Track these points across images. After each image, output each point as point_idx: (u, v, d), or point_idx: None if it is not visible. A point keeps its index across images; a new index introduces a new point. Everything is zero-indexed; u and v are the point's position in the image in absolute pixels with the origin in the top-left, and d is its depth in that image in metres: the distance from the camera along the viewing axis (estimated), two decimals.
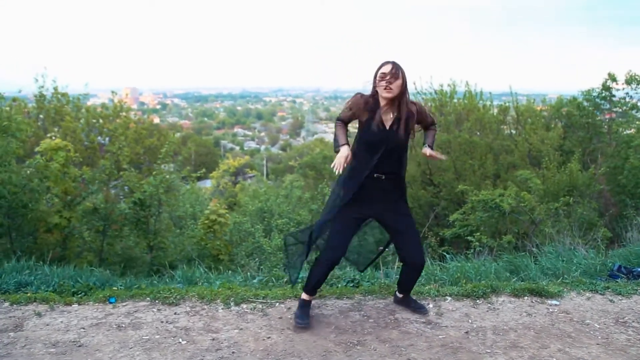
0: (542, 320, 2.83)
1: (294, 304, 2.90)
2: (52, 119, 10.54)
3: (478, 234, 6.49)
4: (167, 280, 3.85)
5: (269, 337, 2.48)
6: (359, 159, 2.54)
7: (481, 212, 6.82)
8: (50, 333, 2.47)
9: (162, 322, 2.62)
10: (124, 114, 12.54)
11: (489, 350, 2.43)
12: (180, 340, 2.43)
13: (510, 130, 12.89)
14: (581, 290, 3.38)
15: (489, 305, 3.02)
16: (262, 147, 60.64)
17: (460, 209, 7.92)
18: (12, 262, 3.94)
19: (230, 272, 4.21)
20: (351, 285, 3.53)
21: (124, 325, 2.57)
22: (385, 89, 2.46)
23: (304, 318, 2.63)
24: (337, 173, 2.44)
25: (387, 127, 2.52)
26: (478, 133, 11.33)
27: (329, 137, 48.59)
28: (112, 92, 12.39)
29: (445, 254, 4.96)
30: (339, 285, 3.47)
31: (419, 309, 2.85)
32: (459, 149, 10.50)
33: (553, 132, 10.56)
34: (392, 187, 2.59)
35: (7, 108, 10.66)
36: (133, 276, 4.96)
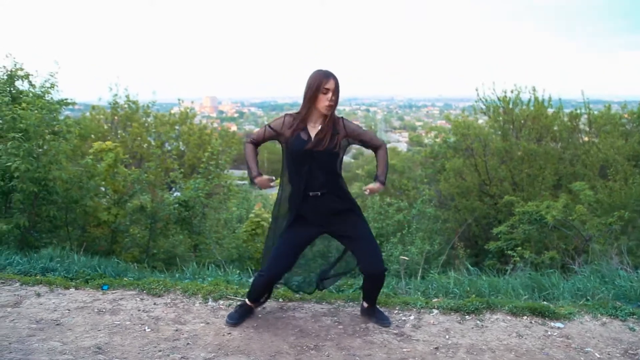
0: (531, 343, 2.60)
1: (271, 305, 2.91)
2: (124, 124, 11.45)
3: (519, 248, 6.09)
4: (177, 275, 4.03)
5: (229, 334, 2.52)
6: (291, 178, 2.52)
7: (526, 225, 6.39)
8: (39, 311, 2.70)
9: (139, 310, 2.77)
10: (190, 121, 13.29)
11: None
12: (146, 328, 2.55)
13: (583, 139, 11.95)
14: (599, 315, 3.04)
15: (478, 322, 2.83)
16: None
17: (509, 221, 7.47)
18: (48, 249, 4.35)
19: (239, 272, 4.30)
20: (351, 291, 3.46)
21: (104, 310, 2.74)
22: (328, 105, 2.41)
23: (235, 318, 2.64)
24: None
25: (313, 140, 2.45)
26: (541, 142, 10.61)
27: (402, 147, 47.85)
28: (179, 100, 13.19)
29: (469, 267, 4.71)
30: (351, 292, 3.39)
31: (381, 321, 2.73)
32: (516, 158, 9.90)
33: (629, 141, 9.62)
34: (333, 202, 2.51)
35: (87, 114, 11.79)
36: (161, 271, 5.25)
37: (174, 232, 7.23)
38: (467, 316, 2.89)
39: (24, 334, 2.43)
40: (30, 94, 6.77)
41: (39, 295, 2.93)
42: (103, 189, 6.40)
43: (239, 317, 2.67)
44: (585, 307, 3.18)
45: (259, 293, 2.68)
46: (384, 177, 2.57)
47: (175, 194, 8.26)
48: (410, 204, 10.89)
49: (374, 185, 2.60)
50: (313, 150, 2.43)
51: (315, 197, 2.48)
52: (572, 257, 6.05)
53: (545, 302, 3.23)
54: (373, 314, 2.78)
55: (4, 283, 3.12)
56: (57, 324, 2.55)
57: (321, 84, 2.40)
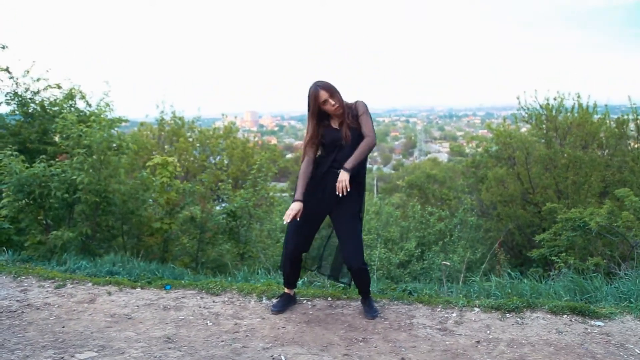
0: (570, 338, 2.68)
1: (321, 303, 3.12)
2: (170, 139, 12.04)
3: (564, 254, 6.04)
4: (230, 279, 4.30)
5: (284, 327, 2.74)
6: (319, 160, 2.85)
7: (570, 232, 6.32)
8: (112, 307, 3.01)
9: (200, 307, 3.03)
10: (233, 135, 13.81)
11: None
12: (208, 322, 2.80)
13: (631, 145, 11.61)
14: None
15: (518, 319, 2.93)
16: (374, 167, 61.16)
17: (552, 228, 7.38)
18: (110, 255, 4.73)
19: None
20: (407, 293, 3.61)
21: (169, 307, 3.02)
22: (334, 111, 2.74)
23: (278, 306, 2.98)
24: (285, 223, 2.68)
25: (336, 129, 2.80)
26: (586, 149, 10.39)
27: (442, 157, 47.35)
28: (223, 114, 13.74)
29: (509, 272, 4.75)
30: (396, 292, 3.55)
31: (366, 312, 2.92)
32: (561, 165, 9.74)
33: None
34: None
35: (136, 130, 12.47)
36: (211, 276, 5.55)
37: (222, 241, 7.57)
38: (507, 314, 3.00)
39: (102, 326, 2.73)
40: (88, 112, 7.35)
41: (109, 293, 3.25)
42: (152, 200, 6.80)
43: (282, 305, 2.98)
44: (627, 309, 3.21)
45: (290, 276, 2.99)
46: (350, 165, 2.70)
47: (223, 205, 8.64)
48: (452, 214, 10.89)
49: (342, 174, 2.71)
50: (339, 141, 2.78)
51: (336, 173, 2.74)
52: (618, 264, 5.94)
53: (585, 303, 3.27)
54: (364, 304, 2.99)
55: (78, 283, 3.47)
56: (129, 318, 2.85)
57: (317, 101, 2.74)
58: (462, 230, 9.87)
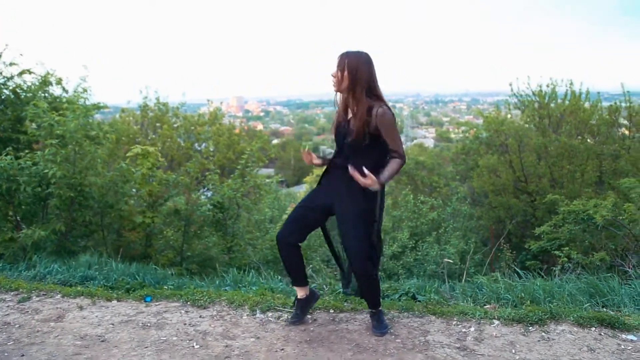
0: (606, 358, 2.39)
1: (322, 316, 2.78)
2: (154, 126, 11.50)
3: (567, 248, 5.80)
4: (217, 281, 3.94)
5: (282, 350, 2.39)
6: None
7: (572, 225, 6.08)
8: (83, 326, 2.63)
9: (185, 324, 2.66)
10: (219, 121, 13.30)
11: None
12: (195, 344, 2.44)
13: (624, 133, 11.45)
14: None
15: (543, 334, 2.63)
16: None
17: (552, 220, 7.15)
18: (86, 256, 4.33)
19: (280, 277, 4.18)
20: (405, 298, 3.31)
21: (149, 325, 2.65)
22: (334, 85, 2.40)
23: (294, 316, 2.69)
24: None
25: (347, 122, 2.45)
26: (579, 137, 10.19)
27: (429, 142, 47.24)
28: (208, 100, 13.20)
29: (517, 269, 4.48)
30: (394, 299, 3.27)
31: (376, 328, 2.59)
32: (555, 154, 9.51)
33: None
34: (353, 183, 2.37)
35: (117, 117, 11.91)
36: (202, 276, 5.18)
37: (208, 234, 7.20)
38: (530, 327, 2.70)
39: (69, 352, 2.35)
40: (65, 99, 6.83)
41: (81, 308, 2.86)
42: (134, 191, 6.38)
43: (299, 315, 2.70)
44: None
45: (289, 268, 2.64)
46: (385, 179, 2.34)
47: (206, 193, 8.23)
48: (444, 202, 10.63)
49: (371, 176, 2.29)
50: (346, 136, 2.43)
51: (344, 168, 2.38)
52: (622, 258, 5.73)
53: (612, 312, 3.00)
54: (372, 319, 2.65)
55: (45, 295, 3.07)
56: (102, 341, 2.47)
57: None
58: (456, 219, 9.62)
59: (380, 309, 2.66)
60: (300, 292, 2.68)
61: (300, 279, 2.65)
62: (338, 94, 2.47)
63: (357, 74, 2.33)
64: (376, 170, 2.33)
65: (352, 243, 2.43)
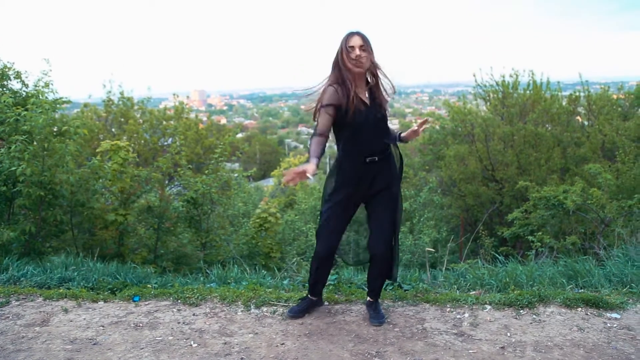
0: (595, 336, 2.48)
1: (317, 309, 2.76)
2: (119, 122, 11.11)
3: (539, 233, 6.00)
4: (202, 279, 3.85)
5: (282, 344, 2.36)
6: (347, 148, 2.43)
7: (543, 211, 6.29)
8: (71, 330, 2.51)
9: (178, 322, 2.59)
10: (185, 115, 12.99)
11: None
12: (192, 343, 2.37)
13: (582, 122, 11.92)
14: None
15: (534, 316, 2.71)
16: (327, 145, 60.72)
17: (523, 206, 7.38)
18: (61, 257, 4.14)
19: (265, 272, 4.14)
20: (390, 288, 3.33)
21: (141, 325, 2.56)
22: (352, 62, 2.31)
23: (296, 311, 2.62)
24: (282, 185, 2.35)
25: (368, 103, 2.41)
26: (547, 126, 10.54)
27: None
28: (174, 94, 12.86)
29: (497, 255, 4.60)
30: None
31: (374, 317, 2.60)
32: (522, 142, 9.81)
33: (631, 122, 9.58)
34: (385, 168, 2.46)
35: (79, 112, 11.43)
36: (178, 273, 5.07)
37: (181, 230, 7.05)
38: (521, 310, 2.77)
39: (60, 357, 2.24)
40: (25, 94, 6.49)
41: (66, 311, 2.74)
42: (105, 188, 6.16)
43: (301, 310, 2.65)
44: (632, 295, 3.09)
45: (317, 281, 2.60)
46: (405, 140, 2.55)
47: (173, 189, 8.04)
48: (415, 192, 10.79)
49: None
50: (376, 115, 2.40)
51: (373, 162, 2.41)
52: (592, 240, 5.98)
53: (594, 293, 3.12)
54: (369, 309, 2.66)
55: (25, 298, 2.92)
56: (94, 344, 2.36)
57: (345, 44, 2.33)
58: (429, 209, 9.78)
59: (378, 298, 2.68)
60: (314, 298, 2.71)
61: (322, 289, 2.71)
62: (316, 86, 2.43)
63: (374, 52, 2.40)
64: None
65: (383, 230, 2.47)
